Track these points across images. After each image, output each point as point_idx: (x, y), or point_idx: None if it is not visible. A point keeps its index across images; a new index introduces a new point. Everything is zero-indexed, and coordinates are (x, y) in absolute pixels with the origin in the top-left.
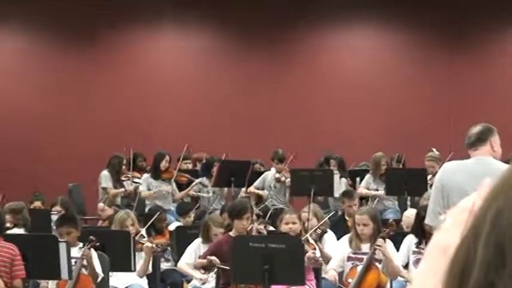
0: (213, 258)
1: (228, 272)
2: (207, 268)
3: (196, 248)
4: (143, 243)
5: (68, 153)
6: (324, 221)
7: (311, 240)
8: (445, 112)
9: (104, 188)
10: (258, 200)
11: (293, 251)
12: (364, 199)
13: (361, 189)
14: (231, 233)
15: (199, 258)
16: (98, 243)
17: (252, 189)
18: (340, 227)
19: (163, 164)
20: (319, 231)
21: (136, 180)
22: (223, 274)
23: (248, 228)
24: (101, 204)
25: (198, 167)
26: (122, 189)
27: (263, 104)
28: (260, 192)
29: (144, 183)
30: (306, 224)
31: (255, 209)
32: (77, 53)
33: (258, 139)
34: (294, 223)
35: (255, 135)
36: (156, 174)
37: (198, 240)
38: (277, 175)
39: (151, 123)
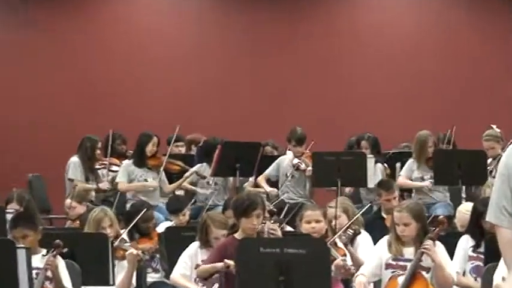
0: (231, 262)
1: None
2: (208, 280)
3: (192, 255)
4: (125, 250)
5: (27, 135)
6: (355, 218)
7: (340, 244)
8: (506, 79)
9: (71, 180)
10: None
11: (316, 257)
12: (406, 191)
13: (402, 178)
14: (237, 235)
15: (203, 263)
16: (65, 250)
17: (262, 179)
18: (376, 227)
19: (150, 148)
20: (350, 231)
21: (114, 168)
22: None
23: (259, 229)
24: (68, 201)
25: (194, 151)
26: (93, 186)
27: (275, 73)
28: (268, 189)
29: (124, 172)
30: (333, 223)
31: (267, 204)
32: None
33: (269, 116)
34: (317, 221)
35: (265, 112)
36: (141, 160)
37: (195, 244)
38: (296, 161)
39: (135, 99)
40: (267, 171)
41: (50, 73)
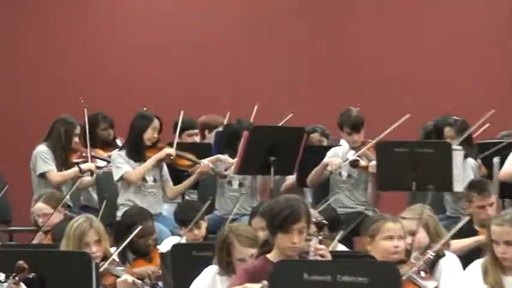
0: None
1: None
2: None
3: (210, 283)
4: (116, 275)
5: None
6: (449, 236)
7: (422, 273)
8: None
9: (43, 175)
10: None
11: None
12: (508, 196)
13: (505, 174)
14: (271, 256)
15: None
16: (32, 275)
17: (311, 178)
18: None
19: (149, 135)
20: (430, 253)
21: (99, 163)
22: None
23: (302, 248)
24: (40, 205)
25: (210, 138)
26: (75, 169)
27: (325, 42)
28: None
29: (121, 160)
30: (410, 241)
31: (313, 213)
32: None
33: (316, 95)
34: (401, 238)
35: (310, 89)
36: (136, 151)
37: (212, 269)
38: (352, 155)
39: (127, 70)
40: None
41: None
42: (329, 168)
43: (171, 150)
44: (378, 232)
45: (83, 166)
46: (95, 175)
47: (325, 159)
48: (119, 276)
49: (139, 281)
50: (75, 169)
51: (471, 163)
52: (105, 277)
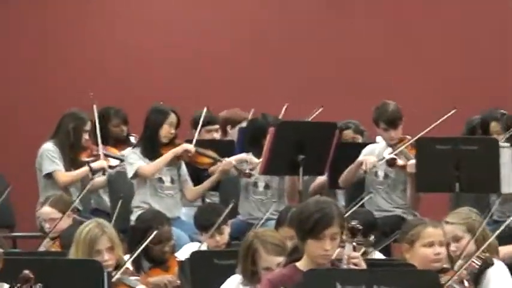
0: None
1: None
2: None
3: None
4: (129, 286)
5: None
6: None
7: (465, 283)
8: None
9: (50, 175)
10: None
11: None
12: None
13: None
14: (300, 265)
15: None
16: (38, 285)
17: (344, 179)
18: None
19: (166, 131)
20: (476, 262)
21: (112, 162)
22: None
23: (333, 256)
24: (47, 209)
25: (232, 135)
26: (86, 169)
27: (358, 30)
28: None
29: (135, 157)
30: (454, 248)
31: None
32: None
33: (348, 87)
34: (442, 244)
35: (342, 80)
36: (151, 149)
37: (236, 278)
38: (389, 153)
39: (141, 63)
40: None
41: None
42: (363, 167)
43: (190, 146)
44: (417, 238)
45: (94, 165)
46: (106, 174)
47: (360, 158)
48: (133, 287)
49: None
50: (85, 168)
51: None
52: (117, 286)
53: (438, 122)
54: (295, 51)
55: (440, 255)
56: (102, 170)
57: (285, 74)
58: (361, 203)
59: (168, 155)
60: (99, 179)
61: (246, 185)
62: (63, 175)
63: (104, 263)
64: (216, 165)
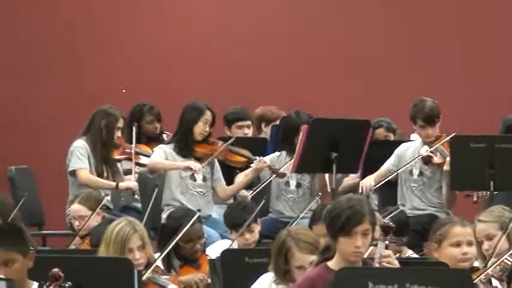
0: None
1: None
2: None
3: None
4: (160, 285)
5: (7, 111)
6: None
7: (494, 281)
8: None
9: (73, 172)
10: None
11: None
12: None
13: None
14: (331, 264)
15: None
16: (68, 284)
17: (373, 179)
18: None
19: (200, 129)
20: (509, 260)
21: (144, 160)
22: None
23: (365, 255)
24: (76, 206)
25: (266, 133)
26: (110, 183)
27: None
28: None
29: (161, 153)
30: (487, 247)
31: (378, 217)
32: None
33: (382, 84)
34: (471, 244)
35: (375, 78)
36: (185, 146)
37: (268, 277)
38: (425, 150)
39: (175, 56)
40: (384, 168)
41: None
42: (360, 191)
43: (196, 166)
44: (445, 237)
45: (122, 184)
46: (137, 174)
47: (362, 180)
48: (163, 286)
49: None
50: (111, 184)
51: None
52: (147, 286)
53: (440, 142)
54: (329, 47)
55: (468, 255)
56: (130, 190)
57: (320, 71)
58: (390, 215)
59: (174, 165)
60: (131, 176)
61: (278, 183)
62: (86, 176)
63: (135, 262)
64: (253, 166)
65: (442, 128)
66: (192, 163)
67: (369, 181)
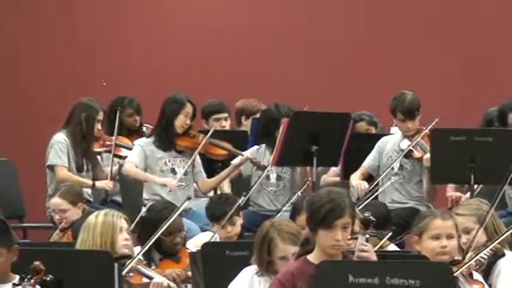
0: None
1: None
2: None
3: (247, 286)
4: (146, 275)
5: None
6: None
7: (475, 274)
8: None
9: (52, 167)
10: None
11: None
12: None
13: None
14: (311, 257)
15: None
16: (49, 276)
17: (355, 178)
18: None
19: (181, 122)
20: (485, 253)
21: (124, 152)
22: None
23: (346, 248)
24: (57, 200)
25: (247, 126)
26: (87, 181)
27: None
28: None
29: (139, 152)
30: (465, 240)
31: (357, 212)
32: None
33: (363, 76)
34: (450, 237)
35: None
36: (166, 139)
37: (250, 269)
38: (405, 143)
39: (153, 49)
40: (366, 163)
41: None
42: (355, 194)
43: (173, 184)
44: (425, 230)
45: (98, 184)
46: (117, 166)
47: (354, 182)
48: (149, 277)
49: (174, 285)
50: (88, 182)
51: None
52: (133, 277)
53: (423, 133)
54: (312, 42)
55: (447, 248)
56: (105, 190)
57: (302, 65)
58: (380, 190)
59: (150, 178)
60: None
61: (259, 176)
62: (63, 173)
63: (125, 242)
64: (235, 160)
65: (422, 122)
66: (168, 180)
67: (363, 185)
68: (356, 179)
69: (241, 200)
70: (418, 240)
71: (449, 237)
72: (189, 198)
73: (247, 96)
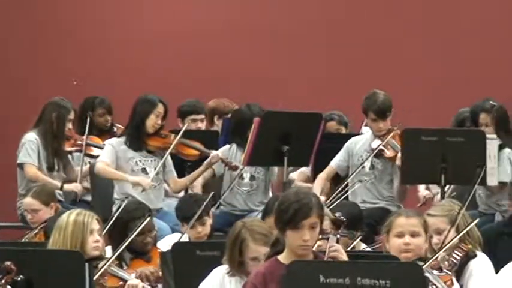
0: None
1: None
2: None
3: (218, 286)
4: (119, 277)
5: None
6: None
7: (445, 271)
8: None
9: (21, 165)
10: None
11: None
12: None
13: None
14: (282, 258)
15: None
16: (19, 277)
17: (320, 179)
18: (502, 247)
19: (152, 122)
20: (457, 254)
21: (95, 152)
22: None
23: (315, 247)
24: (29, 200)
25: (219, 125)
26: (55, 183)
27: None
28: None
29: (110, 151)
30: (436, 241)
31: (327, 212)
32: None
33: (335, 77)
34: (414, 235)
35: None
36: (137, 139)
37: (221, 269)
38: (376, 143)
39: (125, 47)
40: (333, 163)
41: None
42: None
43: (147, 183)
44: (390, 228)
45: (67, 186)
46: (88, 166)
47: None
48: (122, 279)
49: (149, 287)
50: (56, 184)
51: (508, 154)
52: (106, 279)
53: (393, 133)
54: (285, 42)
55: (410, 245)
56: (75, 194)
57: (272, 64)
58: (350, 191)
59: (123, 177)
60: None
61: (231, 176)
62: (32, 172)
63: (96, 244)
64: (206, 160)
65: (394, 122)
66: (142, 180)
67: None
68: (319, 187)
69: (208, 198)
70: (386, 238)
71: (413, 235)
72: (150, 211)
73: (220, 96)
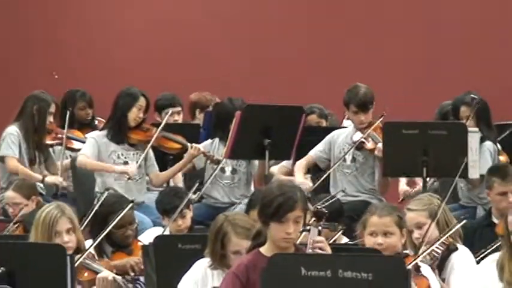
0: None
1: None
2: None
3: (198, 280)
4: (93, 271)
5: None
6: (453, 230)
7: (424, 268)
8: None
9: (2, 158)
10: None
11: (389, 285)
12: None
13: None
14: (264, 250)
15: None
16: (1, 269)
17: (300, 166)
18: (482, 239)
19: (134, 115)
20: (438, 248)
21: (76, 145)
22: None
23: (297, 241)
24: (10, 193)
25: (200, 118)
26: (37, 176)
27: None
28: (299, 180)
29: (92, 145)
30: (417, 235)
31: (309, 205)
32: None
33: (316, 70)
34: (386, 234)
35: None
36: (119, 133)
37: (203, 262)
38: (358, 136)
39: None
40: (312, 152)
41: None
42: None
43: (132, 170)
44: (364, 226)
45: (48, 179)
46: (70, 159)
47: (298, 180)
48: (96, 272)
49: (120, 277)
50: (38, 177)
51: (489, 147)
52: (81, 272)
53: (375, 125)
54: (258, 30)
55: (383, 245)
56: (56, 186)
57: (254, 56)
58: (332, 200)
59: (108, 168)
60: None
61: (213, 169)
62: (14, 164)
63: (64, 245)
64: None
65: (375, 114)
66: (127, 168)
67: (306, 183)
68: (300, 172)
69: (191, 193)
70: (362, 234)
71: (386, 234)
72: (132, 202)
73: (201, 90)
